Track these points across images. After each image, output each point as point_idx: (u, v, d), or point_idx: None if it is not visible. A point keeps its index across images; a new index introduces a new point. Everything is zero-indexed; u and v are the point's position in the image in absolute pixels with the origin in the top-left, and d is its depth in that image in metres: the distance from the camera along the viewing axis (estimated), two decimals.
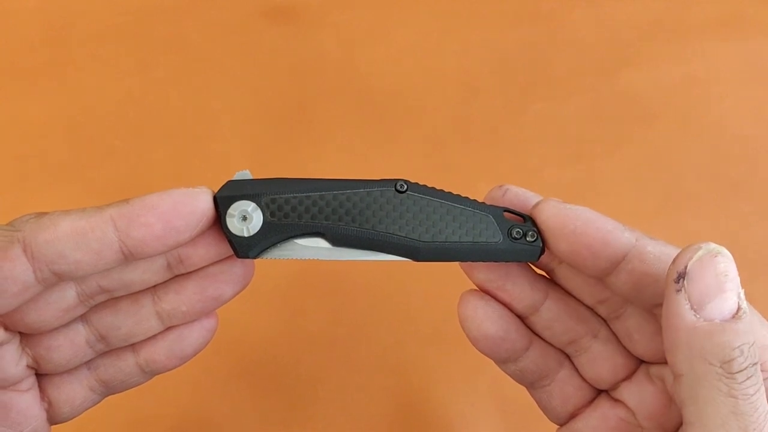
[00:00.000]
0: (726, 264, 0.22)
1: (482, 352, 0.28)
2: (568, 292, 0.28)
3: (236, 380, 0.43)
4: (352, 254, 0.26)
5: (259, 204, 0.25)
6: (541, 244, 0.25)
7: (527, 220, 0.26)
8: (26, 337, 0.26)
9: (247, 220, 0.25)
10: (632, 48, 0.56)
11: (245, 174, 0.26)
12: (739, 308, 0.22)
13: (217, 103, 0.54)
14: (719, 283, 0.22)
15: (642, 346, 0.27)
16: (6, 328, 0.24)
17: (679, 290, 0.22)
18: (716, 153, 0.52)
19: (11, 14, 0.58)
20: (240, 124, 0.53)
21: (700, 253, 0.22)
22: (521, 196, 0.27)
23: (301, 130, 0.52)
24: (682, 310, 0.22)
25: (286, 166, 0.50)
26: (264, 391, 0.43)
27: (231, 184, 0.25)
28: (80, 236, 0.23)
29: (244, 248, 0.25)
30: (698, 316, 0.22)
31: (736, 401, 0.21)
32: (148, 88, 0.54)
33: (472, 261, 0.26)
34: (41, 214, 0.24)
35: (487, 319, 0.27)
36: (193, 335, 0.28)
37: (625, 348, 0.28)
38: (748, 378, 0.21)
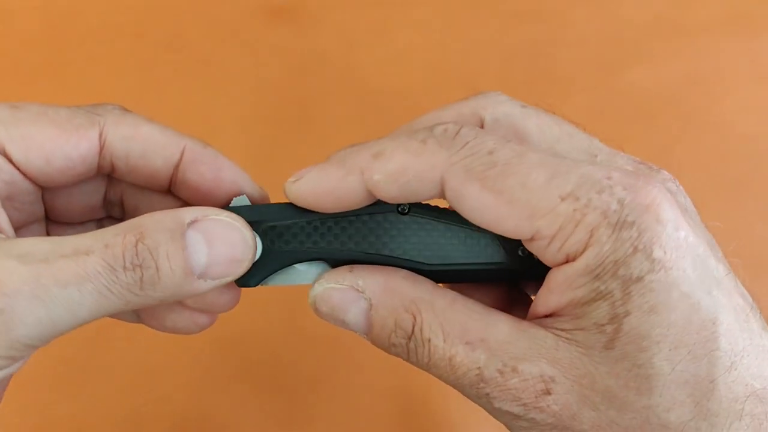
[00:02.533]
0: (327, 299, 0.23)
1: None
2: None
3: (237, 380, 0.43)
4: None
5: (258, 231, 0.24)
6: None
7: None
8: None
9: None
10: (635, 46, 0.56)
11: (242, 200, 0.25)
12: (368, 308, 0.23)
13: (217, 102, 0.53)
14: (335, 319, 0.24)
15: None
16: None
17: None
18: (719, 151, 0.51)
19: (11, 14, 0.58)
20: (240, 124, 0.52)
21: (311, 304, 0.24)
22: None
23: (301, 130, 0.52)
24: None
25: (286, 166, 0.50)
26: (265, 391, 0.43)
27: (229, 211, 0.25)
28: (152, 145, 0.25)
29: (244, 277, 0.24)
30: (366, 337, 0.24)
31: (431, 373, 0.23)
32: (148, 87, 0.54)
33: (479, 282, 0.26)
34: (126, 111, 0.25)
35: None
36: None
37: None
38: (415, 354, 0.23)
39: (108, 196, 0.28)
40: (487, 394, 0.21)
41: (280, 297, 0.45)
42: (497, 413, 0.22)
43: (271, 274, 0.25)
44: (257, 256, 0.24)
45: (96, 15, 0.57)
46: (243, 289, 0.26)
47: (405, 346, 0.22)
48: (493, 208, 0.21)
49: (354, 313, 0.23)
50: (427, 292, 0.23)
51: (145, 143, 0.25)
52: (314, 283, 0.24)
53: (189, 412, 0.42)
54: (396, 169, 0.22)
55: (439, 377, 0.23)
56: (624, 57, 0.55)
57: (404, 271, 0.24)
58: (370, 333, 0.23)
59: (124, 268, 0.21)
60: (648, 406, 0.20)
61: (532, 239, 0.22)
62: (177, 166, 0.25)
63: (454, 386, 0.23)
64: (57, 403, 0.43)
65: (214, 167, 0.26)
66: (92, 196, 0.27)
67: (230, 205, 0.25)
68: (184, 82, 0.54)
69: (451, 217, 0.24)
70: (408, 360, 0.23)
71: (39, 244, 0.21)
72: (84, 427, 0.42)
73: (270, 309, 0.45)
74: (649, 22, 0.57)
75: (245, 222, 0.23)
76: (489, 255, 0.24)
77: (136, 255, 0.21)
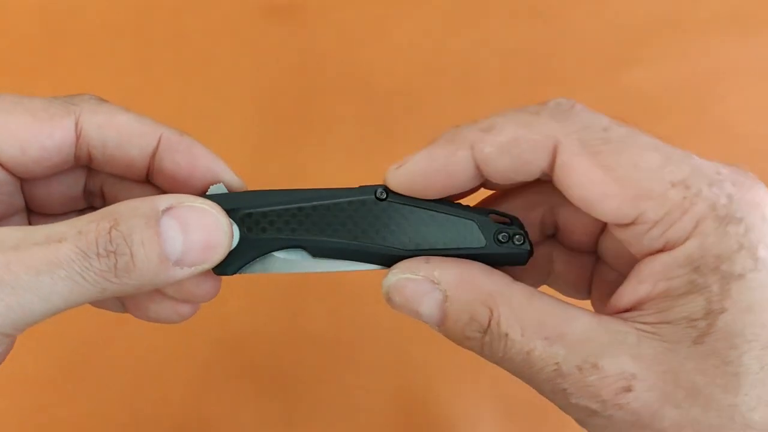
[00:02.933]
0: (402, 290, 0.23)
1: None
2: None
3: (236, 380, 0.43)
4: (335, 265, 0.25)
5: (235, 219, 0.24)
6: (529, 247, 0.24)
7: (514, 222, 0.25)
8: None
9: None
10: (636, 45, 0.56)
11: (219, 188, 0.25)
12: (442, 301, 0.23)
13: (217, 101, 0.53)
14: (411, 311, 0.23)
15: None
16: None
17: None
18: (721, 151, 0.51)
19: (11, 14, 0.57)
20: (240, 123, 0.52)
21: (384, 296, 0.24)
22: None
23: (301, 129, 0.52)
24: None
25: (286, 165, 0.50)
26: (264, 392, 0.43)
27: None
28: (128, 134, 0.25)
29: (221, 264, 0.24)
30: (437, 327, 0.23)
31: (505, 366, 0.22)
32: (148, 86, 0.54)
33: None
34: (103, 100, 0.25)
35: None
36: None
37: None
38: (489, 348, 0.22)
39: (88, 187, 0.28)
40: (564, 390, 0.21)
41: (280, 297, 0.45)
42: (572, 408, 0.22)
43: (249, 262, 0.25)
44: (234, 244, 0.24)
45: (95, 14, 0.57)
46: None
47: (480, 340, 0.22)
48: (601, 185, 0.21)
49: (428, 304, 0.23)
50: (504, 286, 0.22)
51: (121, 132, 0.25)
52: (388, 273, 0.24)
53: (189, 412, 0.42)
54: (508, 140, 0.22)
55: (513, 372, 0.22)
56: (624, 57, 0.55)
57: (481, 264, 0.23)
58: (443, 325, 0.23)
59: (98, 254, 0.21)
60: (733, 405, 0.20)
61: (633, 223, 0.21)
62: (153, 155, 0.25)
63: (528, 381, 0.22)
64: (57, 404, 0.43)
65: (189, 155, 0.25)
66: (72, 187, 0.27)
67: (207, 193, 0.25)
68: (184, 81, 0.54)
69: (430, 203, 0.24)
70: (482, 353, 0.23)
71: (11, 233, 0.21)
72: (84, 427, 0.42)
73: (270, 310, 0.45)
74: (650, 21, 0.57)
75: (221, 209, 0.23)
76: (469, 240, 0.24)
77: (110, 241, 0.21)
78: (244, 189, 0.26)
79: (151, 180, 0.26)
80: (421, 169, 0.23)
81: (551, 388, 0.21)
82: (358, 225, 0.24)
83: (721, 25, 0.57)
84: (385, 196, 0.24)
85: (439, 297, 0.23)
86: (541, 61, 0.55)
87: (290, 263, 0.25)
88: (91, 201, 0.28)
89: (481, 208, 0.25)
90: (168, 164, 0.25)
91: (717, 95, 0.53)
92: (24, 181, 0.26)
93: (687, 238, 0.20)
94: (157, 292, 0.26)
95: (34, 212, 0.27)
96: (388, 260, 0.25)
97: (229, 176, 0.26)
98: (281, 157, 0.51)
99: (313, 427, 0.42)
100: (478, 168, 0.23)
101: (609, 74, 0.54)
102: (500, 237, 0.24)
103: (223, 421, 0.42)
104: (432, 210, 0.24)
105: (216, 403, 0.42)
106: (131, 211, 0.22)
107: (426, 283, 0.23)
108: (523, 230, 0.25)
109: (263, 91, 0.54)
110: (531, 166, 0.22)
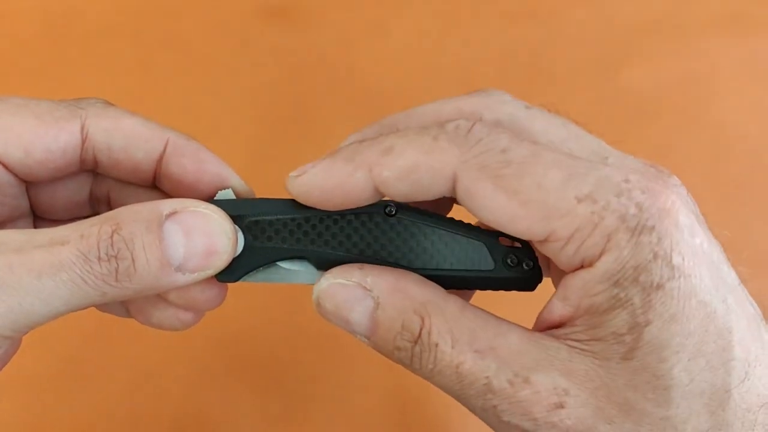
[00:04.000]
0: (332, 295, 0.23)
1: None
2: None
3: (234, 379, 0.43)
4: None
5: (240, 226, 0.24)
6: (538, 273, 0.24)
7: (524, 246, 0.24)
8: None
9: None
10: (633, 46, 0.56)
11: (227, 194, 0.25)
12: (373, 308, 0.22)
13: (216, 102, 0.53)
14: (340, 318, 0.23)
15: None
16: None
17: None
18: (717, 151, 0.51)
19: (11, 14, 0.58)
20: (239, 124, 0.53)
21: (315, 304, 0.23)
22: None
23: (299, 130, 0.52)
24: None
25: (284, 166, 0.50)
26: (263, 390, 0.43)
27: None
28: (134, 138, 0.24)
29: (225, 271, 0.23)
30: (366, 340, 0.23)
31: (434, 381, 0.22)
32: (147, 87, 0.54)
33: (465, 289, 0.25)
34: (109, 104, 0.25)
35: None
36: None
37: None
38: (419, 359, 0.22)
39: (94, 193, 0.28)
40: (495, 406, 0.20)
41: (279, 296, 0.45)
42: (504, 428, 0.21)
43: (252, 270, 0.24)
44: (239, 251, 0.23)
45: (95, 15, 0.57)
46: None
47: (410, 350, 0.22)
48: (507, 208, 0.21)
49: (359, 311, 0.22)
50: (437, 297, 0.22)
51: (127, 136, 0.25)
52: (320, 278, 0.23)
53: (187, 411, 0.42)
54: (406, 166, 0.21)
55: (443, 387, 0.22)
56: (622, 57, 0.55)
57: (415, 275, 0.23)
58: (373, 335, 0.22)
59: (99, 258, 0.21)
60: (666, 417, 0.20)
61: (546, 240, 0.21)
62: (160, 160, 0.25)
63: (458, 397, 0.22)
64: (56, 404, 0.43)
65: (196, 160, 0.25)
66: (77, 192, 0.27)
67: (214, 198, 0.25)
68: (183, 82, 0.54)
69: (439, 221, 0.24)
70: (411, 366, 0.22)
71: (14, 235, 0.21)
72: (83, 426, 0.42)
73: (268, 308, 0.45)
74: (647, 22, 0.57)
75: (226, 215, 0.23)
76: (477, 262, 0.24)
77: (111, 246, 0.21)
78: (252, 196, 0.26)
79: (157, 185, 0.26)
80: (319, 183, 0.22)
81: (482, 404, 0.21)
82: (364, 239, 0.24)
83: (716, 25, 0.57)
84: (394, 212, 0.24)
85: (371, 305, 0.22)
86: (538, 62, 0.55)
87: (294, 274, 0.24)
88: (97, 207, 0.28)
89: (491, 231, 0.24)
90: (175, 169, 0.25)
91: (713, 95, 0.54)
92: (29, 184, 0.26)
93: (602, 253, 0.20)
94: (161, 299, 0.26)
95: (39, 217, 0.27)
96: None
97: (236, 182, 0.26)
98: (278, 158, 0.51)
99: (310, 424, 0.42)
100: (376, 188, 0.22)
101: (605, 74, 0.55)
102: (509, 261, 0.24)
103: (222, 418, 0.42)
104: (441, 229, 0.24)
105: (214, 400, 0.43)
106: (133, 215, 0.21)
107: (358, 290, 0.22)
108: (533, 254, 0.24)
109: (261, 93, 0.54)
110: (431, 191, 0.22)
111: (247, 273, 0.24)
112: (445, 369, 0.21)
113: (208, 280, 0.24)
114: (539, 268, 0.24)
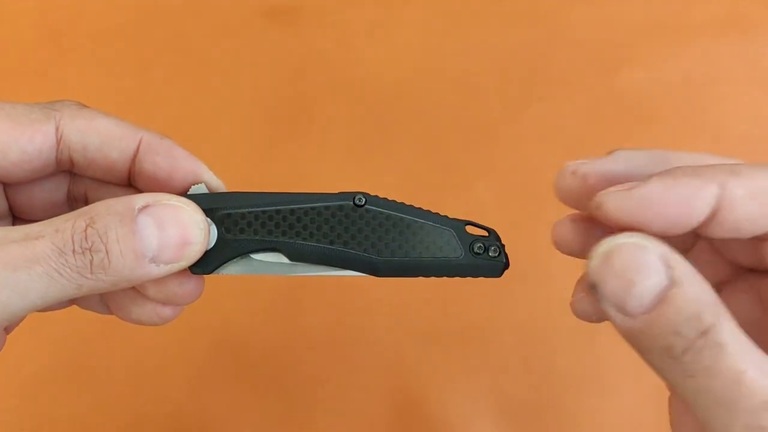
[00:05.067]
0: (628, 254, 0.20)
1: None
2: None
3: (235, 380, 0.43)
4: (311, 270, 0.25)
5: (213, 219, 0.24)
6: (504, 260, 0.24)
7: (491, 233, 0.25)
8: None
9: None
10: (632, 47, 0.56)
11: (200, 188, 0.25)
12: (665, 287, 0.20)
13: (216, 103, 0.54)
14: (624, 279, 0.20)
15: (735, 253, 0.25)
16: None
17: (599, 301, 0.20)
18: (717, 152, 0.51)
19: (11, 14, 0.58)
20: (239, 124, 0.53)
21: (595, 259, 0.21)
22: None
23: (300, 131, 0.52)
24: (612, 317, 0.20)
25: (284, 167, 0.50)
26: (263, 392, 0.43)
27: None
28: (109, 138, 0.25)
29: (199, 264, 0.24)
30: (626, 317, 0.20)
31: (695, 379, 0.19)
32: (148, 88, 0.54)
33: (434, 276, 0.25)
34: (84, 106, 0.26)
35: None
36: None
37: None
38: (697, 353, 0.19)
39: (72, 193, 0.28)
40: (764, 428, 0.19)
41: (278, 298, 0.45)
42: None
43: (226, 263, 0.25)
44: (212, 244, 0.24)
45: (95, 15, 0.58)
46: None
47: (691, 341, 0.20)
48: None
49: (650, 282, 0.20)
50: (724, 306, 0.21)
51: (101, 135, 0.25)
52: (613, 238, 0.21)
53: (188, 412, 0.42)
54: (763, 187, 0.21)
55: (702, 389, 0.20)
56: (621, 58, 0.56)
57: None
58: (653, 311, 0.20)
59: (74, 251, 0.21)
60: None
61: None
62: (134, 158, 0.26)
63: (719, 402, 0.20)
64: (56, 404, 0.43)
65: (169, 157, 0.26)
66: (55, 192, 0.27)
67: (188, 193, 0.25)
68: (183, 83, 0.54)
69: (408, 210, 0.25)
70: (678, 357, 0.20)
71: None
72: (83, 427, 0.42)
73: (268, 310, 0.45)
74: (647, 23, 0.57)
75: (198, 207, 0.23)
76: (446, 250, 0.24)
77: (86, 239, 0.21)
78: (224, 190, 0.27)
79: (133, 183, 0.27)
80: (657, 197, 0.21)
81: (750, 421, 0.19)
82: (335, 230, 0.24)
83: (716, 28, 0.57)
84: (363, 202, 0.24)
85: (664, 282, 0.20)
86: (538, 63, 0.55)
87: (267, 265, 0.25)
88: (75, 207, 0.28)
89: (459, 219, 0.25)
90: (148, 166, 0.26)
91: (712, 97, 0.54)
92: (7, 185, 0.26)
93: None
94: (139, 294, 0.26)
95: (18, 218, 0.28)
96: (364, 266, 0.25)
97: (208, 177, 0.26)
98: (279, 158, 0.51)
99: (310, 425, 0.42)
100: (713, 212, 0.21)
101: (605, 75, 0.55)
102: (476, 248, 0.24)
103: (222, 420, 0.42)
104: (410, 218, 0.24)
105: (214, 401, 0.43)
106: (107, 210, 0.22)
107: (659, 262, 0.20)
108: (500, 242, 0.24)
109: (262, 93, 0.54)
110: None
111: (221, 265, 0.25)
112: (724, 371, 0.19)
113: (184, 273, 0.24)
114: (506, 255, 0.24)
